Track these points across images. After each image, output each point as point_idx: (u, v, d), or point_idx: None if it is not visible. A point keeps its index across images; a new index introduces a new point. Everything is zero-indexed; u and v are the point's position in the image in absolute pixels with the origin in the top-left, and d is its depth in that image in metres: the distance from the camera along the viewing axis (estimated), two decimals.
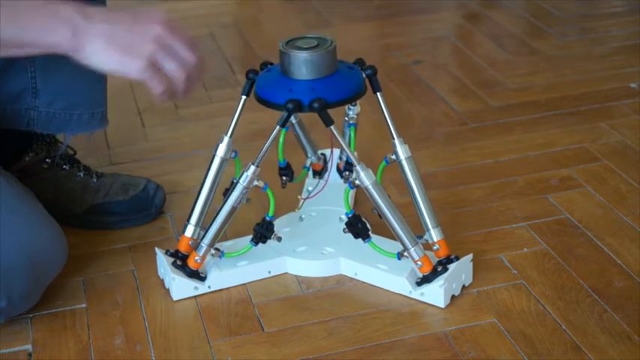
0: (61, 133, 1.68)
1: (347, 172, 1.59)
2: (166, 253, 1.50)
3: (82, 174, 1.68)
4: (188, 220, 1.48)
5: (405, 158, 1.44)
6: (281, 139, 1.49)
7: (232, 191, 1.43)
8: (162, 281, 1.53)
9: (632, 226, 1.61)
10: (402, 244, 1.42)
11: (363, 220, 1.46)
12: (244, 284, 1.51)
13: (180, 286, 1.48)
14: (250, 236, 1.49)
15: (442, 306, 1.43)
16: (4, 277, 1.33)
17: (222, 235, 1.47)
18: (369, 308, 1.44)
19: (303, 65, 1.39)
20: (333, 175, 1.66)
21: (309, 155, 1.65)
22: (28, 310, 1.44)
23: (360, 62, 1.46)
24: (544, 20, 2.54)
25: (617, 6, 2.62)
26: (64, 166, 1.68)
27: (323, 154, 1.69)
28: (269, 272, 1.52)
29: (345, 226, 1.45)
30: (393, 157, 1.45)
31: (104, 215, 1.67)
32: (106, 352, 1.39)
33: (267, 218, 1.46)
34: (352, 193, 1.67)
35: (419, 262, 1.43)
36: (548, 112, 2.03)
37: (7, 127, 1.59)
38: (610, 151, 1.84)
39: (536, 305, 1.43)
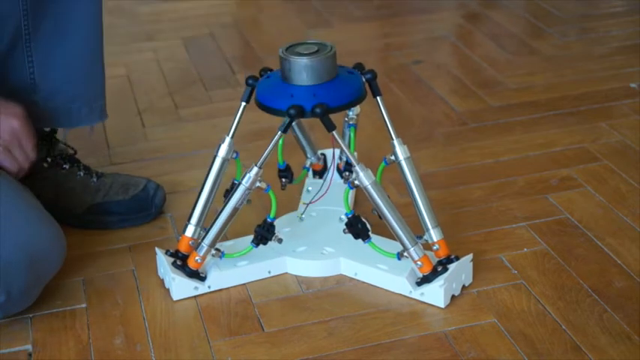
0: (61, 128, 1.68)
1: (347, 173, 1.59)
2: (166, 253, 1.50)
3: (82, 173, 1.69)
4: (189, 219, 1.48)
5: (404, 159, 1.44)
6: (280, 142, 1.49)
7: (234, 192, 1.43)
8: (162, 281, 1.53)
9: (632, 226, 1.61)
10: (402, 244, 1.42)
11: (363, 220, 1.46)
12: (244, 284, 1.51)
13: (180, 286, 1.48)
14: (250, 236, 1.49)
15: (442, 306, 1.43)
16: (4, 272, 1.34)
17: (222, 236, 1.47)
18: (369, 308, 1.44)
19: (303, 71, 1.39)
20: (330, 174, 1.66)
21: (309, 156, 1.65)
22: (27, 307, 1.44)
23: (359, 66, 1.47)
24: (544, 20, 2.54)
25: (617, 6, 2.62)
26: (64, 166, 1.68)
27: (323, 154, 1.69)
28: (269, 272, 1.52)
29: (345, 227, 1.45)
30: (393, 157, 1.45)
31: (104, 215, 1.67)
32: (106, 352, 1.39)
33: (269, 220, 1.46)
34: (352, 193, 1.67)
35: (419, 262, 1.43)
36: (548, 112, 2.03)
37: None
38: (610, 151, 1.84)
39: (536, 305, 1.43)
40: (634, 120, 1.97)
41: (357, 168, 1.41)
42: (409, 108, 2.09)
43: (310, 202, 1.54)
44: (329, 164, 1.69)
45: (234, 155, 1.48)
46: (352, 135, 1.60)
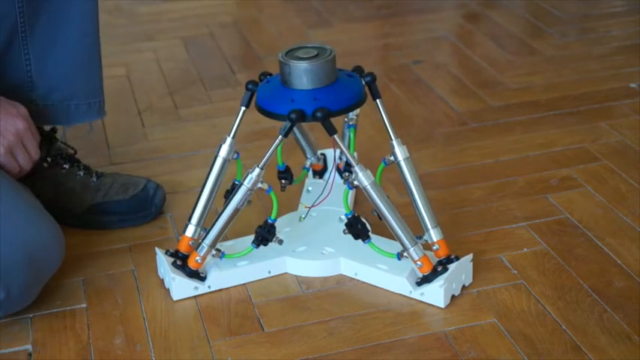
0: (60, 125, 1.68)
1: (346, 173, 1.59)
2: (166, 253, 1.50)
3: (81, 173, 1.68)
4: (189, 219, 1.48)
5: (404, 159, 1.45)
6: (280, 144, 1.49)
7: (236, 193, 1.43)
8: (162, 281, 1.53)
9: (632, 226, 1.61)
10: (402, 244, 1.42)
11: (363, 220, 1.46)
12: (244, 284, 1.51)
13: (180, 286, 1.48)
14: (250, 236, 1.49)
15: (442, 306, 1.43)
16: (4, 271, 1.34)
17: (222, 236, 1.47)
18: (369, 308, 1.44)
19: (303, 75, 1.39)
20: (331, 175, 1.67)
21: (309, 156, 1.65)
22: (27, 307, 1.44)
23: (358, 69, 1.47)
24: (544, 20, 2.54)
25: (617, 6, 2.62)
26: (64, 166, 1.68)
27: (323, 154, 1.69)
28: (269, 272, 1.52)
29: (345, 227, 1.45)
30: (392, 158, 1.45)
31: (104, 215, 1.67)
32: (106, 352, 1.39)
33: (270, 221, 1.46)
34: (352, 193, 1.67)
35: (419, 262, 1.43)
36: (548, 112, 2.03)
37: None
38: (610, 151, 1.84)
39: (536, 305, 1.43)
40: (634, 120, 1.97)
41: (357, 168, 1.41)
42: (409, 108, 2.09)
43: (312, 206, 1.54)
44: (329, 164, 1.69)
45: (235, 156, 1.48)
46: (352, 135, 1.60)
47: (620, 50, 2.33)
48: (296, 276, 1.53)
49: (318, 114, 1.38)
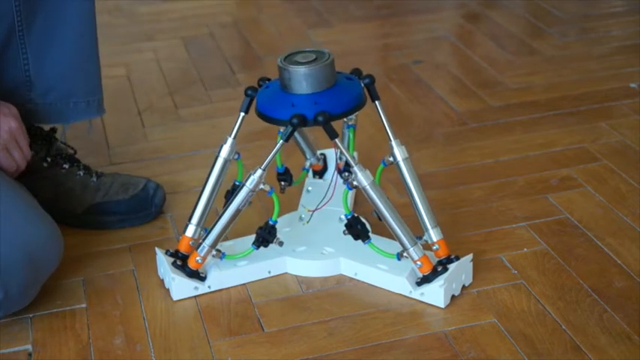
0: (60, 123, 1.68)
1: (346, 174, 1.59)
2: (166, 253, 1.50)
3: (81, 173, 1.68)
4: (189, 219, 1.48)
5: (403, 159, 1.45)
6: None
7: (238, 193, 1.43)
8: (162, 281, 1.53)
9: (632, 226, 1.61)
10: (401, 244, 1.42)
11: (363, 221, 1.46)
12: (244, 284, 1.51)
13: (180, 286, 1.48)
14: (250, 237, 1.49)
15: (442, 306, 1.43)
16: (2, 270, 1.34)
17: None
18: (369, 308, 1.44)
19: (303, 80, 1.39)
20: (330, 174, 1.66)
21: (308, 157, 1.65)
22: (26, 307, 1.44)
23: (356, 72, 1.47)
24: (544, 20, 2.54)
25: (617, 6, 2.62)
26: (64, 165, 1.68)
27: (322, 154, 1.69)
28: (269, 272, 1.52)
29: (345, 228, 1.45)
30: (391, 159, 1.45)
31: (104, 215, 1.67)
32: (106, 352, 1.39)
33: (271, 222, 1.46)
34: (351, 194, 1.67)
35: (418, 262, 1.43)
36: (548, 112, 2.03)
37: None
38: (610, 151, 1.84)
39: (536, 305, 1.43)
40: (634, 120, 1.97)
41: (356, 169, 1.41)
42: (409, 108, 2.09)
43: (316, 209, 1.54)
44: (329, 164, 1.69)
45: (236, 156, 1.48)
46: (351, 135, 1.60)
47: (620, 50, 2.33)
48: (296, 276, 1.52)
49: (320, 118, 1.38)
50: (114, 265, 1.59)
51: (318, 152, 1.68)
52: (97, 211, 1.67)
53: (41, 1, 1.56)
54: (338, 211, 1.59)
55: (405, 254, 1.43)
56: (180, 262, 1.48)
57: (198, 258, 1.46)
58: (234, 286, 1.51)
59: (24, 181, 1.54)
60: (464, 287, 1.47)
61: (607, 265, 1.51)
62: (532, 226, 1.62)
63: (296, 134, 1.60)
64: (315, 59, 1.41)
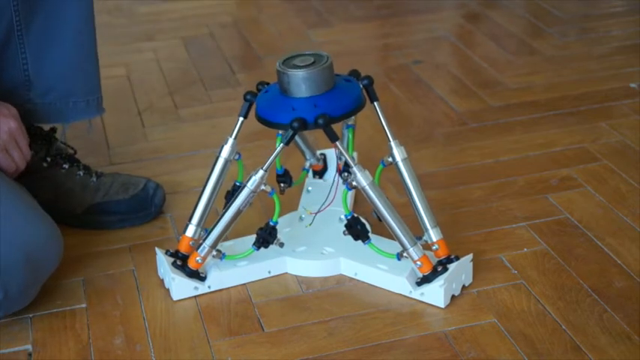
0: (59, 123, 1.68)
1: (345, 174, 1.59)
2: (166, 253, 1.50)
3: (81, 173, 1.68)
4: (189, 219, 1.48)
5: (402, 160, 1.45)
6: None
7: (239, 194, 1.43)
8: (162, 281, 1.53)
9: (632, 226, 1.61)
10: (401, 244, 1.42)
11: (363, 221, 1.46)
12: (244, 284, 1.51)
13: (180, 286, 1.48)
14: (250, 237, 1.49)
15: (442, 306, 1.43)
16: (2, 271, 1.34)
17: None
18: (369, 308, 1.44)
19: (302, 83, 1.39)
20: (330, 174, 1.66)
21: (308, 157, 1.65)
22: (26, 307, 1.44)
23: (355, 73, 1.47)
24: (544, 20, 2.54)
25: (617, 6, 2.62)
26: (64, 165, 1.68)
27: (322, 154, 1.69)
28: (269, 272, 1.52)
29: (345, 228, 1.45)
30: (390, 159, 1.45)
31: (104, 215, 1.67)
32: (106, 352, 1.39)
33: (271, 223, 1.46)
34: (351, 194, 1.66)
35: (418, 262, 1.43)
36: (548, 112, 2.03)
37: None
38: (610, 151, 1.84)
39: (536, 305, 1.43)
40: (634, 120, 1.97)
41: (355, 169, 1.41)
42: (409, 108, 2.09)
43: (318, 212, 1.54)
44: (329, 164, 1.69)
45: (237, 157, 1.48)
46: (351, 136, 1.59)
47: (620, 50, 2.33)
48: (296, 276, 1.52)
49: (320, 121, 1.38)
50: (114, 265, 1.59)
51: (318, 152, 1.68)
52: (97, 211, 1.67)
53: (40, 1, 1.57)
54: (338, 211, 1.59)
55: (404, 254, 1.43)
56: (180, 262, 1.48)
57: (198, 258, 1.46)
58: (234, 286, 1.50)
59: (24, 181, 1.54)
60: (464, 287, 1.47)
61: (607, 265, 1.51)
62: (532, 226, 1.62)
63: (296, 137, 1.60)
64: (314, 62, 1.41)
